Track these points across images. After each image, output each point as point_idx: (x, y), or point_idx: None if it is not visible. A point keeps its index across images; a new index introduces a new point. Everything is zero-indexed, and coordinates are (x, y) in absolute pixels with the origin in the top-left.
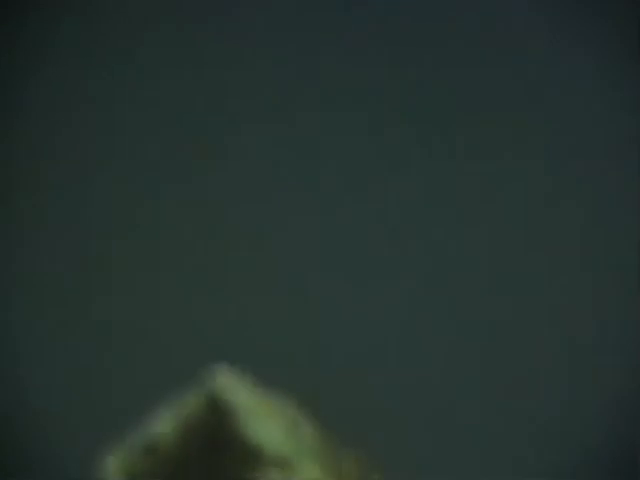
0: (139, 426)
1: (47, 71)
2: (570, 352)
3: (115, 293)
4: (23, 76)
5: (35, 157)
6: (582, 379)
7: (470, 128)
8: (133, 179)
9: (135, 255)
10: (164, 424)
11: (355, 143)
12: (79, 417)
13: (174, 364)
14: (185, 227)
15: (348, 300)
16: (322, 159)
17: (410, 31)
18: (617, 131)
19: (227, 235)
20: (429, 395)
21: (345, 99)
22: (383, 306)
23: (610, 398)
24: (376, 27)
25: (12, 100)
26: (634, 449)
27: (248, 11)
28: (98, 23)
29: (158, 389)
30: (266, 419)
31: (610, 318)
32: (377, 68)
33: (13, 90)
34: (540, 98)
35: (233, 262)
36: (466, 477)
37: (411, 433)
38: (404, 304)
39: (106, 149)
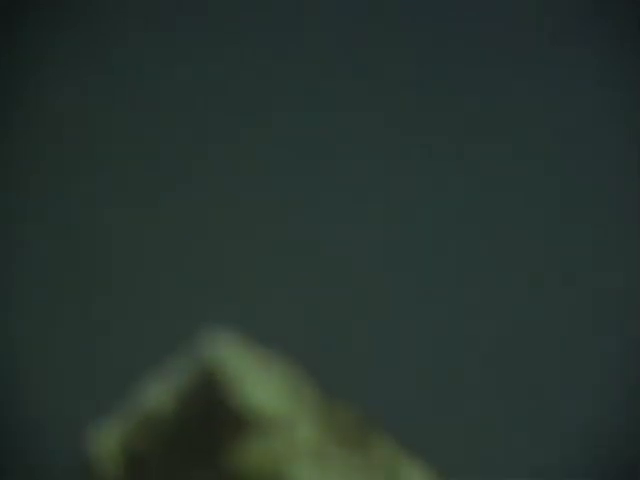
0: (135, 398)
1: (47, 71)
2: (570, 352)
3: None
4: (23, 76)
5: (35, 157)
6: (583, 379)
7: (469, 127)
8: (133, 179)
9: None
10: (160, 396)
11: (355, 143)
12: (78, 411)
13: (170, 331)
14: (185, 223)
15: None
16: (322, 159)
17: (410, 31)
18: (617, 131)
19: (226, 228)
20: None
21: (345, 99)
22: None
23: (610, 398)
24: (376, 27)
25: (12, 100)
26: (635, 450)
27: (248, 11)
28: (98, 23)
29: (154, 359)
30: (264, 383)
31: (610, 318)
32: (377, 68)
33: (13, 90)
34: (540, 98)
35: (231, 237)
36: (464, 473)
37: (409, 394)
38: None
39: (106, 149)
